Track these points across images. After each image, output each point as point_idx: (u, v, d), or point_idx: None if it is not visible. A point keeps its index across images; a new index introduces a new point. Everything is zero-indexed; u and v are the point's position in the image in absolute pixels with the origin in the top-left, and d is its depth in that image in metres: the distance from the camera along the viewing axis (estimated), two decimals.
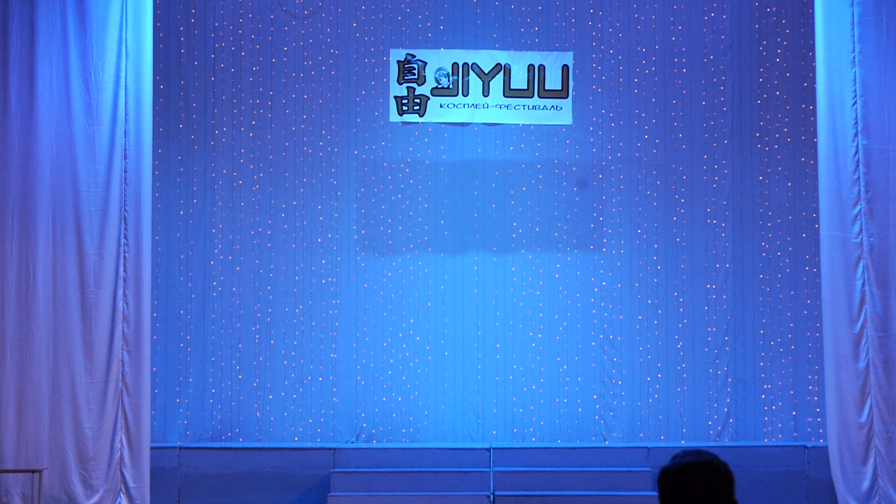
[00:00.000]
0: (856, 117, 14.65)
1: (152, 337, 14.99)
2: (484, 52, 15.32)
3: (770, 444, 15.30)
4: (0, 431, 14.33)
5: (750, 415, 15.58)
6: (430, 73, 15.14)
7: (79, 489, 14.48)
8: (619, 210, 15.87)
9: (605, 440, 15.53)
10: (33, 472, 14.18)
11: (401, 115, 15.14)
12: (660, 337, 15.73)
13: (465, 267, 15.82)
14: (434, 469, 14.71)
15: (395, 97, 15.13)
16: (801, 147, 15.80)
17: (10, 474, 14.27)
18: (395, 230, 15.82)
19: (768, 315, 15.71)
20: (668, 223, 15.82)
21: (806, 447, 15.08)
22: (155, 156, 15.06)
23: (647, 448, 15.07)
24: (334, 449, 15.05)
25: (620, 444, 15.35)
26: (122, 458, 14.58)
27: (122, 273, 14.71)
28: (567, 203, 15.86)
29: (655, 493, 14.26)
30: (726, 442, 15.42)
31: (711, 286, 15.75)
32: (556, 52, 15.28)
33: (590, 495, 14.34)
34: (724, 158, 15.82)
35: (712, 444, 15.34)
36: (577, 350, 15.71)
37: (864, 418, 14.52)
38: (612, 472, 14.69)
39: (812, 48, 15.47)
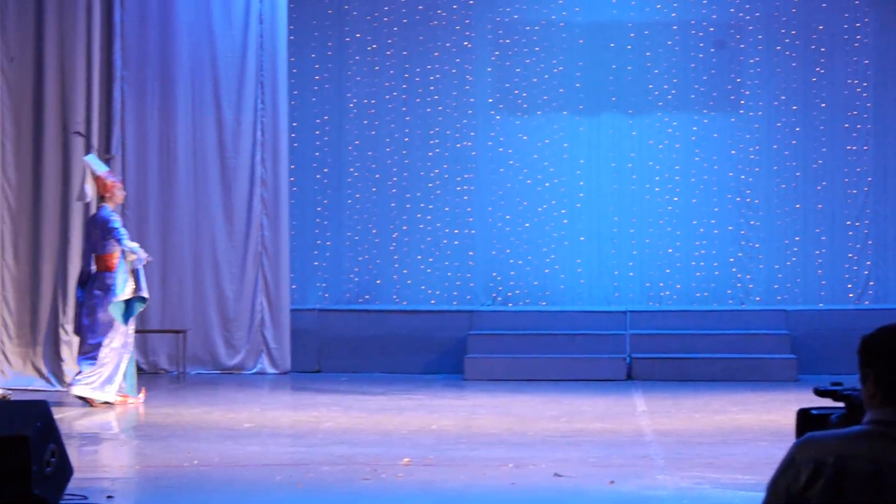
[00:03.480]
0: None
1: (290, 201, 15.13)
2: None
3: None
4: None
5: (891, 277, 15.36)
6: None
7: (221, 350, 14.80)
8: (757, 71, 15.60)
9: (742, 303, 15.44)
10: (177, 332, 14.51)
11: None
12: (798, 199, 15.52)
13: (600, 129, 15.70)
14: (570, 332, 14.77)
15: None
16: None
17: (157, 335, 14.62)
18: (530, 93, 15.72)
19: None
20: (807, 84, 15.52)
21: None
22: (289, 20, 15.09)
23: (786, 311, 14.97)
24: (471, 312, 15.17)
25: (758, 307, 15.26)
26: (262, 319, 14.84)
27: (259, 138, 14.85)
28: (704, 64, 15.62)
29: (794, 356, 14.21)
30: (866, 305, 15.23)
31: (852, 147, 15.47)
32: None
33: (727, 358, 14.32)
34: (866, 16, 15.42)
35: (852, 306, 15.18)
36: (713, 213, 15.58)
37: None
38: (750, 334, 14.64)
39: None
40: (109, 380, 11.98)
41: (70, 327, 13.36)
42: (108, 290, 12.03)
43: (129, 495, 7.41)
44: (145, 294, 12.19)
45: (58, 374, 13.53)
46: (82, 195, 12.69)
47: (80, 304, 12.28)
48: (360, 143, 15.74)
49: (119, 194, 12.38)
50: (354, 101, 15.74)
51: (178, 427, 10.85)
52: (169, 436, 10.42)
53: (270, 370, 14.76)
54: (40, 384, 13.48)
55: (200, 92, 14.78)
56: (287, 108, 14.97)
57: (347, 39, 15.74)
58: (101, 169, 12.44)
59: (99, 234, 12.19)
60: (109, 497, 7.29)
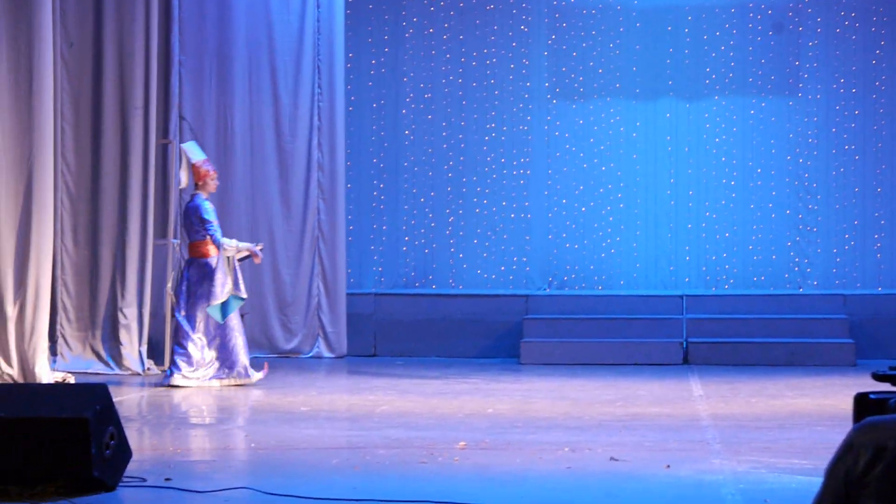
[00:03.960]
0: None
1: (346, 185, 15.19)
2: None
3: None
4: None
5: None
6: None
7: (279, 333, 14.88)
8: (816, 54, 15.48)
9: (799, 287, 15.35)
10: None
11: None
12: (856, 183, 15.41)
13: (657, 114, 15.64)
14: (626, 316, 14.75)
15: None
16: None
17: None
18: (587, 77, 15.68)
19: None
20: (866, 66, 15.39)
21: None
22: (346, 5, 15.12)
23: (844, 295, 14.87)
24: (527, 296, 15.18)
25: (816, 292, 15.17)
26: (319, 303, 14.91)
27: (316, 122, 14.90)
28: (762, 47, 15.53)
29: (852, 341, 14.10)
30: None
31: None
32: None
33: (784, 342, 14.25)
34: None
35: None
36: (770, 197, 15.49)
37: None
38: (808, 319, 14.56)
39: None
40: (231, 364, 12.21)
41: (130, 311, 13.50)
42: (205, 278, 12.11)
43: (186, 478, 7.45)
44: (243, 294, 12.25)
45: (116, 358, 13.62)
46: (177, 181, 12.77)
47: (178, 295, 12.37)
48: (417, 128, 15.76)
49: (212, 183, 12.39)
50: (411, 85, 15.76)
51: (234, 410, 10.93)
52: (226, 419, 10.49)
53: (327, 354, 14.84)
54: (99, 367, 13.59)
55: (258, 76, 14.84)
56: (344, 92, 15.01)
57: (404, 24, 15.75)
58: (197, 157, 12.47)
59: (191, 221, 12.28)
60: (167, 480, 7.35)
